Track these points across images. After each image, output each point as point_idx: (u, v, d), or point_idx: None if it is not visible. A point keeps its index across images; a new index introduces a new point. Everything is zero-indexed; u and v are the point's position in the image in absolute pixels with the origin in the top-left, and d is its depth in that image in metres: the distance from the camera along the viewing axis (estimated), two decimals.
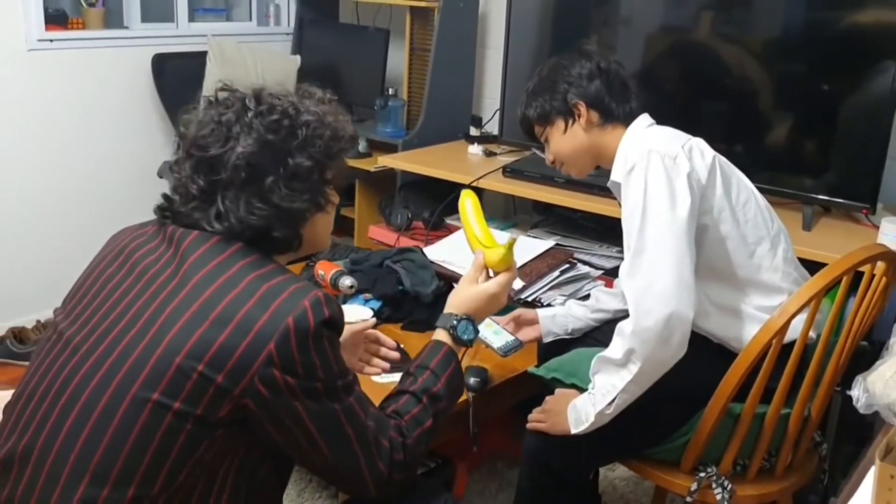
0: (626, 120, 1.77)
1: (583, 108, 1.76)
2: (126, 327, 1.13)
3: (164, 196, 1.24)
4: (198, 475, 1.12)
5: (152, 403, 1.07)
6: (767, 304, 1.68)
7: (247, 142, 1.15)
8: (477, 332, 1.43)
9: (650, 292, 1.54)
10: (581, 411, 1.64)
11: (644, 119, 1.77)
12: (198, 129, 1.19)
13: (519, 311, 2.06)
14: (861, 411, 1.50)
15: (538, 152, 2.95)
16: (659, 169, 1.58)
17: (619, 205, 1.69)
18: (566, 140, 1.79)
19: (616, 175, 1.72)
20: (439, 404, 1.32)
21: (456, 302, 1.45)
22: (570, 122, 1.78)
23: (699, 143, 1.67)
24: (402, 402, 1.31)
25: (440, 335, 1.40)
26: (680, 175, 1.59)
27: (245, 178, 1.15)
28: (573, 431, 1.65)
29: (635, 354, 1.55)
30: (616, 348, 1.59)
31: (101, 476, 1.08)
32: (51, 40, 3.10)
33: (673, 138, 1.67)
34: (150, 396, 1.07)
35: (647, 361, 1.54)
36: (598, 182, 2.61)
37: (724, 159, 1.70)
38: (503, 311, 2.06)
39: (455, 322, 1.40)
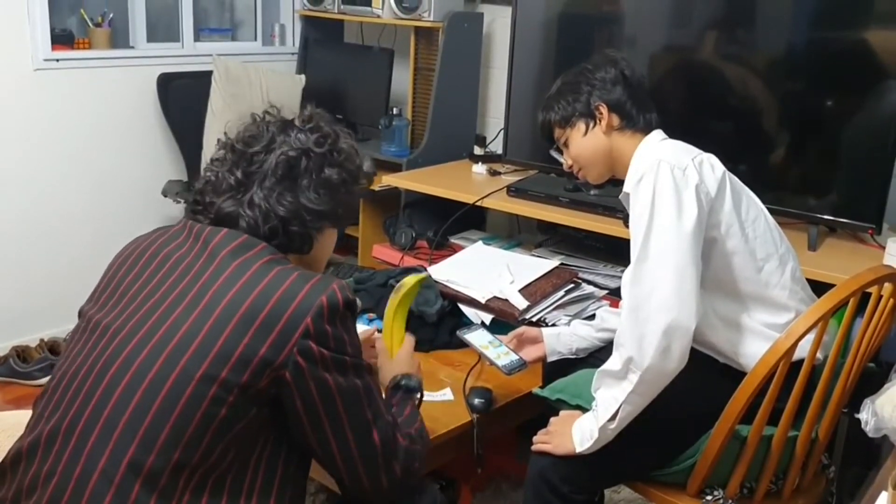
0: (645, 129, 1.78)
1: (604, 111, 1.77)
2: (168, 309, 1.22)
3: (196, 191, 1.36)
4: (232, 457, 1.20)
5: (201, 375, 1.16)
6: (774, 321, 1.67)
7: (290, 147, 1.32)
8: (418, 382, 1.60)
9: (650, 300, 1.54)
10: (585, 429, 1.64)
11: (658, 133, 1.79)
12: (244, 131, 1.36)
13: (522, 329, 2.05)
14: (870, 435, 1.50)
15: (549, 167, 2.95)
16: (667, 179, 1.59)
17: (628, 218, 1.69)
18: (586, 143, 1.80)
19: (627, 186, 1.72)
20: (424, 431, 1.46)
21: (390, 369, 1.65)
22: (591, 124, 1.79)
23: (710, 158, 1.68)
24: (405, 417, 1.45)
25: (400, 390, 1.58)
26: (688, 186, 1.59)
27: (282, 175, 1.30)
28: (578, 450, 1.64)
29: (634, 363, 1.55)
30: (615, 360, 1.59)
31: (149, 442, 1.15)
32: (57, 60, 3.12)
33: (684, 151, 1.69)
34: (198, 368, 1.16)
35: (647, 371, 1.54)
36: (603, 202, 2.61)
37: (734, 176, 1.71)
38: (505, 330, 2.06)
39: (400, 380, 1.60)
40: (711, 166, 1.66)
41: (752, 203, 1.72)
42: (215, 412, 1.16)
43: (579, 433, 1.64)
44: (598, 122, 1.78)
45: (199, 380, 1.16)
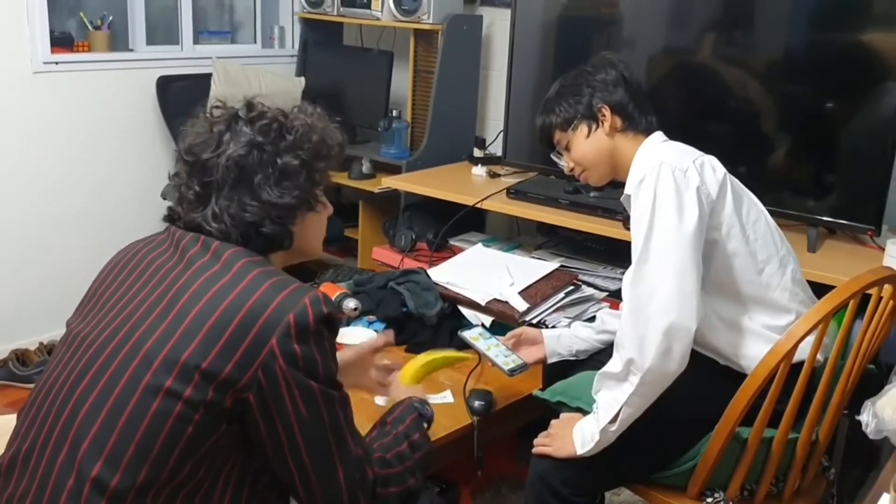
0: (647, 130, 1.78)
1: (607, 113, 1.77)
2: (138, 321, 1.17)
3: (169, 207, 1.31)
4: (203, 472, 1.15)
5: (165, 391, 1.11)
6: (775, 323, 1.67)
7: (237, 145, 1.23)
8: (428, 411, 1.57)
9: (651, 302, 1.54)
10: (586, 432, 1.63)
11: (659, 135, 1.79)
12: (192, 138, 1.26)
13: (521, 329, 2.05)
14: (871, 437, 1.49)
15: (548, 169, 2.95)
16: (668, 181, 1.59)
17: (628, 220, 1.69)
18: (589, 145, 1.79)
19: (628, 188, 1.72)
20: (417, 453, 1.37)
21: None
22: (594, 126, 1.78)
23: (711, 160, 1.68)
24: (386, 440, 1.36)
25: (405, 403, 1.49)
26: (689, 188, 1.59)
27: (235, 178, 1.22)
28: (579, 453, 1.63)
29: (635, 364, 1.55)
30: (615, 362, 1.59)
31: (114, 460, 1.11)
32: (56, 62, 3.12)
33: (685, 153, 1.69)
34: (163, 384, 1.11)
35: (648, 373, 1.54)
36: (603, 203, 2.61)
37: (735, 178, 1.71)
38: (505, 332, 2.06)
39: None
40: (712, 168, 1.66)
41: (753, 205, 1.72)
42: (182, 430, 1.11)
43: (580, 436, 1.64)
44: (600, 124, 1.78)
45: (164, 396, 1.11)
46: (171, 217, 1.30)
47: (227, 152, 1.22)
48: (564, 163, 1.86)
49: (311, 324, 1.14)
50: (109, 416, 1.12)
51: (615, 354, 1.60)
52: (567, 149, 1.83)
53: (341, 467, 1.21)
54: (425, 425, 1.47)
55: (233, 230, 1.22)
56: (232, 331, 1.12)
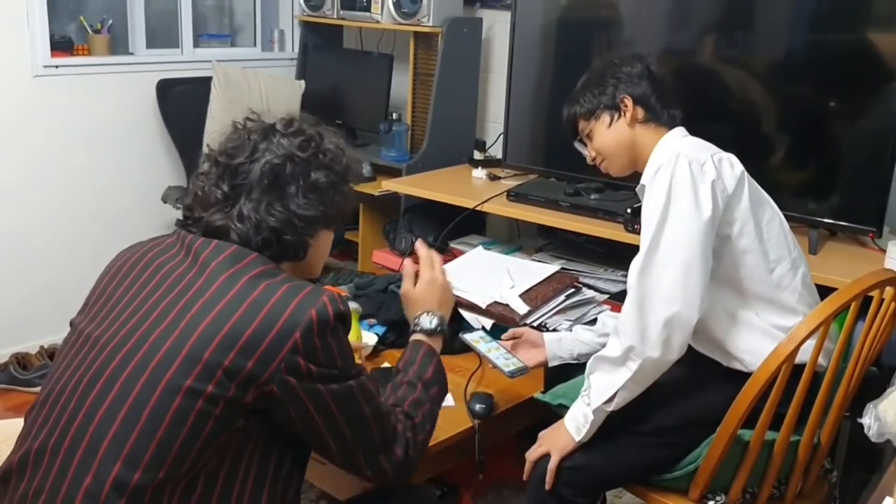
0: (669, 124, 1.80)
1: (629, 103, 1.79)
2: (155, 322, 1.20)
3: (185, 207, 1.34)
4: (217, 460, 1.19)
5: (185, 389, 1.14)
6: (783, 323, 1.67)
7: (272, 154, 1.29)
8: (440, 319, 1.57)
9: (656, 291, 1.56)
10: (578, 416, 1.65)
11: (681, 130, 1.81)
12: (226, 142, 1.33)
13: (522, 329, 2.05)
14: (872, 440, 1.49)
15: (548, 171, 2.95)
16: (685, 172, 1.60)
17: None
18: (610, 135, 1.82)
19: (644, 178, 1.73)
20: (432, 389, 1.46)
21: (410, 308, 1.61)
22: (616, 116, 1.81)
23: (730, 157, 1.69)
24: (400, 393, 1.44)
25: (415, 338, 1.56)
26: (705, 181, 1.60)
27: (269, 184, 1.28)
28: (577, 439, 1.65)
29: (635, 352, 1.56)
30: (614, 347, 1.60)
31: (134, 460, 1.13)
32: (56, 66, 3.12)
33: (704, 148, 1.70)
34: (183, 383, 1.14)
35: (647, 360, 1.56)
36: (603, 206, 2.61)
37: (752, 179, 1.71)
38: (501, 333, 2.06)
39: (416, 320, 1.57)
40: (731, 164, 1.67)
41: (769, 205, 1.73)
42: (201, 427, 1.15)
43: (573, 423, 1.65)
44: (622, 114, 1.80)
45: (185, 394, 1.14)
46: (184, 223, 1.33)
47: (263, 159, 1.29)
48: (587, 152, 1.89)
49: (331, 320, 1.20)
50: (128, 417, 1.15)
51: (614, 339, 1.61)
52: (589, 137, 1.86)
53: (374, 423, 1.29)
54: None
55: (254, 235, 1.26)
56: (253, 331, 1.16)
